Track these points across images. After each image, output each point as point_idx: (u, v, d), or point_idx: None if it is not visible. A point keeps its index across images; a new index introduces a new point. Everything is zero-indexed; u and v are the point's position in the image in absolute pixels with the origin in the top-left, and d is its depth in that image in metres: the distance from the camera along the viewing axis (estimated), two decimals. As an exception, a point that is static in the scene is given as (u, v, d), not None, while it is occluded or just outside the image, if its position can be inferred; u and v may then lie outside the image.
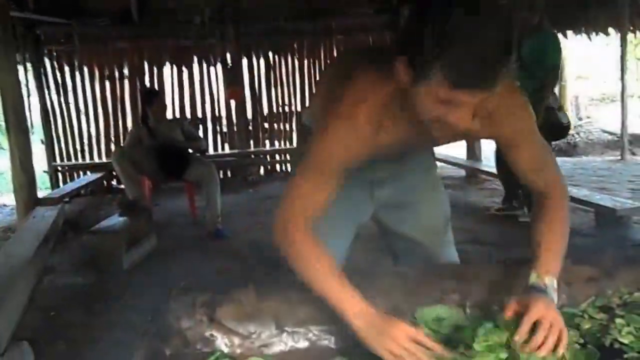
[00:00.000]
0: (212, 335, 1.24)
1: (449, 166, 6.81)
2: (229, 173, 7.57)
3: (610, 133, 10.31)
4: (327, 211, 1.31)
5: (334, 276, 1.22)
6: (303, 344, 1.33)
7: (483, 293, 1.40)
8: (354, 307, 1.18)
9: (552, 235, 1.30)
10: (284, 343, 1.32)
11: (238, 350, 1.27)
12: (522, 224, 4.51)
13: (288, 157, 7.82)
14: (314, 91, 7.63)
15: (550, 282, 1.23)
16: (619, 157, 8.00)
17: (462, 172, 6.82)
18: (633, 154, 8.92)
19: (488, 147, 6.60)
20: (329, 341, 1.34)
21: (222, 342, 1.26)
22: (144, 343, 1.00)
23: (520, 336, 1.12)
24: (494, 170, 6.31)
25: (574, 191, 4.70)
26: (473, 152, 6.82)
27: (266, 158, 7.78)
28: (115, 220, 4.22)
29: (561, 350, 1.12)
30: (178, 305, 1.21)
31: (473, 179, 6.59)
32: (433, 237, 1.78)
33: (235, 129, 7.54)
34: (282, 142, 7.85)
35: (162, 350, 1.10)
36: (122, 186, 5.18)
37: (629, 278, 1.51)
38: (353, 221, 1.78)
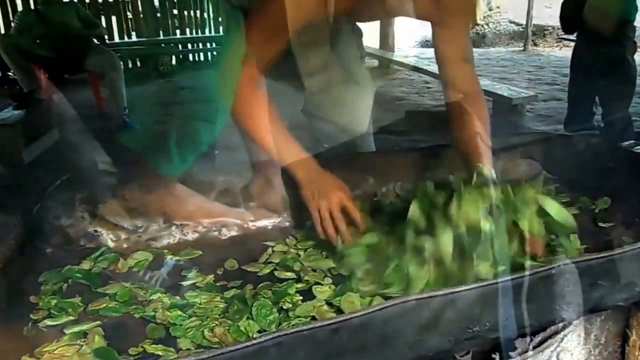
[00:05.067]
0: (95, 231, 1.25)
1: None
2: (138, 62, 7.24)
3: (517, 24, 10.55)
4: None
5: (281, 129, 1.25)
6: (192, 235, 1.37)
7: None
8: (300, 158, 1.24)
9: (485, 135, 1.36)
10: (172, 236, 1.36)
11: (125, 245, 1.29)
12: (428, 113, 4.66)
13: (202, 45, 7.55)
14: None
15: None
16: (522, 48, 8.27)
17: (375, 62, 6.86)
18: (535, 44, 9.23)
19: (401, 38, 6.61)
20: (219, 232, 1.39)
21: (107, 238, 1.27)
22: (7, 241, 0.99)
23: None
24: (406, 60, 6.39)
25: (476, 81, 4.84)
26: (386, 42, 6.82)
27: (177, 47, 7.46)
28: (10, 113, 4.01)
29: None
30: (56, 203, 1.20)
31: (385, 69, 6.65)
32: (356, 125, 1.81)
33: (141, 15, 7.11)
34: (194, 31, 7.53)
35: (41, 247, 1.10)
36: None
37: (503, 166, 1.65)
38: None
